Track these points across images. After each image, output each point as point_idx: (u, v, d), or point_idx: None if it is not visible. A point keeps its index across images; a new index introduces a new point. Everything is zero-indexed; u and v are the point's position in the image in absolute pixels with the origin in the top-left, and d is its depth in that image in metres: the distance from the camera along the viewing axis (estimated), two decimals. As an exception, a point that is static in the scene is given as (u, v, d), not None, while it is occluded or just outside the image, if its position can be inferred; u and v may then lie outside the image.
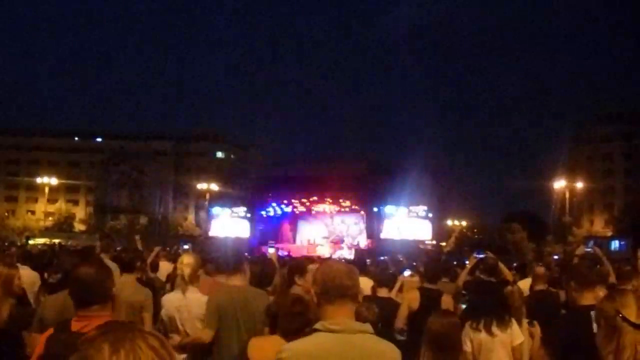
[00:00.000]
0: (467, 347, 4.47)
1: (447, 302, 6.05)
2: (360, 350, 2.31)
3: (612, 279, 7.17)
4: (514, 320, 4.66)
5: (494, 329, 4.52)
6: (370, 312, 4.58)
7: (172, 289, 6.39)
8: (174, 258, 9.31)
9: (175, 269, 6.80)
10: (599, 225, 66.46)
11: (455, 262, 15.68)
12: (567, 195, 50.35)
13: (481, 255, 8.42)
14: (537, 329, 4.93)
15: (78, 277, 2.88)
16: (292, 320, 3.39)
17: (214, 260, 6.47)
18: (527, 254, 54.60)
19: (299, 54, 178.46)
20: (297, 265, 6.00)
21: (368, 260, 12.17)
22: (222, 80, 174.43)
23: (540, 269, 7.23)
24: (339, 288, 2.34)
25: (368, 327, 2.40)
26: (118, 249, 11.61)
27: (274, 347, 2.72)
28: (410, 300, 5.99)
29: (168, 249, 17.38)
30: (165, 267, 8.52)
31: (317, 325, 2.33)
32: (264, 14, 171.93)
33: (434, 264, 7.43)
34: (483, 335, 4.51)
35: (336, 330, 2.27)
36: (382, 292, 6.41)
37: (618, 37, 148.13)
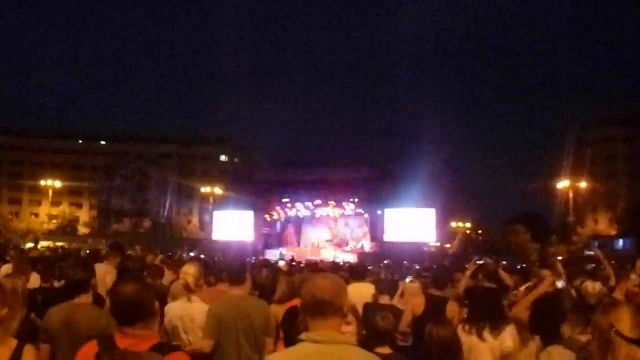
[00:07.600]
0: None
1: (452, 309, 5.98)
2: None
3: (613, 282, 7.16)
4: (507, 327, 4.61)
5: (486, 334, 4.50)
6: (387, 322, 4.34)
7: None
8: (177, 266, 9.31)
9: (177, 278, 6.83)
10: (603, 225, 66.36)
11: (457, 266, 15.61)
12: (571, 195, 50.26)
13: (481, 262, 8.41)
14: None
15: (121, 295, 2.96)
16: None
17: (217, 269, 6.50)
18: (531, 255, 54.51)
19: (304, 58, 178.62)
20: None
21: (370, 267, 12.10)
22: (227, 84, 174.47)
23: (549, 278, 7.08)
24: (318, 304, 2.41)
25: (352, 339, 2.48)
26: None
27: None
28: (415, 306, 5.95)
29: (170, 254, 17.19)
30: (167, 277, 8.50)
31: (302, 336, 2.41)
32: (271, 20, 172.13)
33: (442, 270, 7.32)
34: (474, 339, 4.49)
35: (319, 340, 2.35)
36: (384, 300, 6.41)
37: (623, 39, 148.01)
